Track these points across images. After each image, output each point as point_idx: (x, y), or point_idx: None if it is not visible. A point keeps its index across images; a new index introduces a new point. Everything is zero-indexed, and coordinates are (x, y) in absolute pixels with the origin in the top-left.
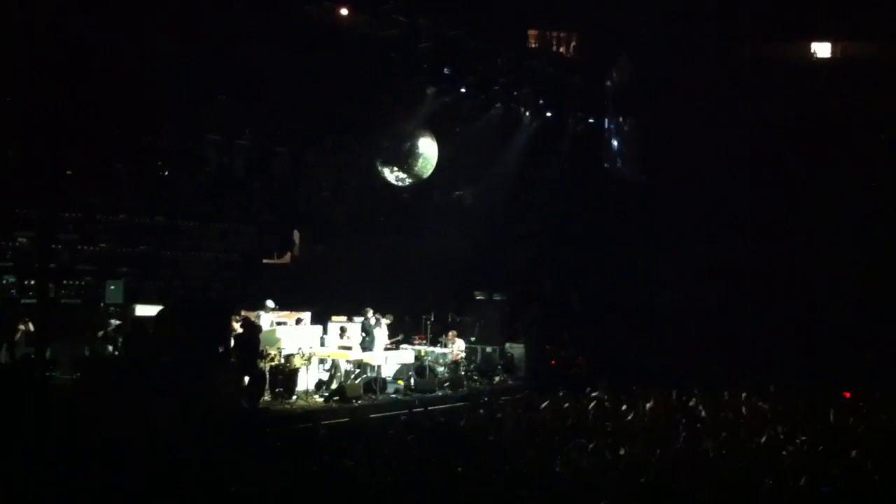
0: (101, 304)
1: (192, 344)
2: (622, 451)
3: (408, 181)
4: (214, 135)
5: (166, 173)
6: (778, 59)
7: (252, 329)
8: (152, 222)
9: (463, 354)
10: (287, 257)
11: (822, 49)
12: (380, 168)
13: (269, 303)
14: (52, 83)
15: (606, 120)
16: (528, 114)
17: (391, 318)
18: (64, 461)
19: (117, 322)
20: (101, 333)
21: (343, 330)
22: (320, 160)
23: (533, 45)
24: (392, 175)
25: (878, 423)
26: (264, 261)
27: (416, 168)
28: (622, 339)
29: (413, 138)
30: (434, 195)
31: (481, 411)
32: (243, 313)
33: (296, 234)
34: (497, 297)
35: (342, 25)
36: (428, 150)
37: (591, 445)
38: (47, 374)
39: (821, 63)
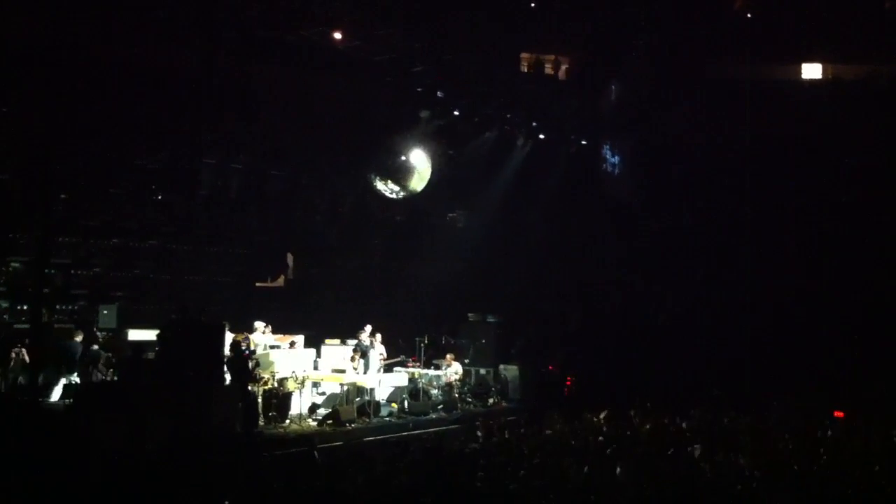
0: (94, 329)
1: (185, 367)
2: (616, 472)
3: (401, 194)
4: (209, 158)
5: (160, 196)
6: (768, 79)
7: (239, 352)
8: (146, 246)
9: (458, 377)
10: (280, 280)
11: (812, 70)
12: (374, 181)
13: (259, 324)
14: (46, 106)
15: (599, 142)
16: (521, 136)
17: (380, 336)
18: (59, 486)
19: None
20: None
21: (356, 352)
22: (314, 183)
23: (525, 69)
24: (386, 188)
25: (873, 444)
26: (258, 284)
27: (410, 181)
28: (616, 360)
29: (407, 152)
30: (428, 217)
31: (478, 433)
32: (233, 337)
33: (289, 257)
34: (491, 319)
35: (337, 50)
36: (421, 164)
37: (584, 468)
38: (40, 399)
39: (811, 84)
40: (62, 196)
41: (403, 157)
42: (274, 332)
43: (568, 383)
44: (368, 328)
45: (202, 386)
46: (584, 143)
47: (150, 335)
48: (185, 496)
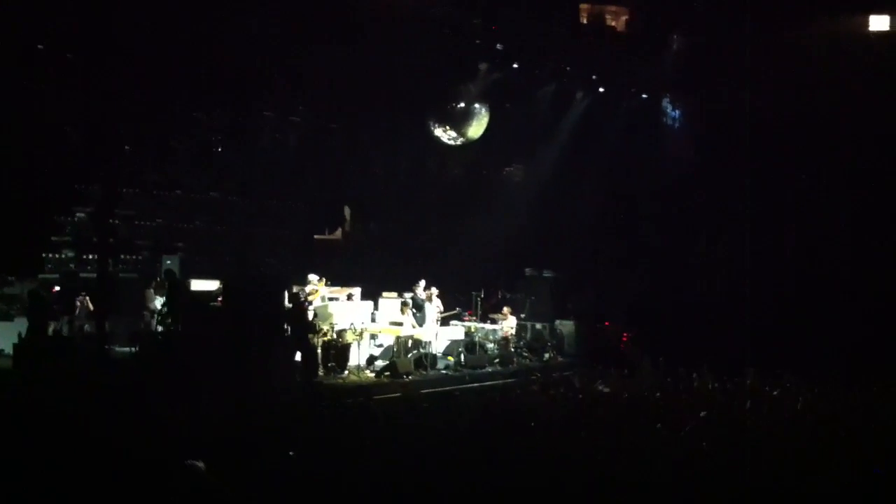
0: (158, 279)
1: (248, 319)
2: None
3: (459, 141)
4: (268, 112)
5: (220, 149)
6: (832, 32)
7: (299, 304)
8: (206, 198)
9: (513, 331)
10: (338, 233)
11: (879, 22)
12: (432, 127)
13: (312, 276)
14: (109, 60)
15: (660, 97)
16: (580, 90)
17: (437, 291)
18: (126, 432)
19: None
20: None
21: (405, 304)
22: (372, 138)
23: (585, 20)
24: (445, 135)
25: None
26: (315, 237)
27: (468, 129)
28: (670, 317)
29: (466, 99)
30: (485, 172)
31: (534, 388)
32: (295, 289)
33: (346, 211)
34: (547, 274)
35: (394, 5)
36: (480, 112)
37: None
38: (106, 347)
39: (877, 37)
40: (126, 148)
41: (462, 104)
42: (331, 284)
43: (624, 339)
44: (422, 283)
45: (259, 340)
46: (644, 96)
47: (211, 286)
48: (248, 446)
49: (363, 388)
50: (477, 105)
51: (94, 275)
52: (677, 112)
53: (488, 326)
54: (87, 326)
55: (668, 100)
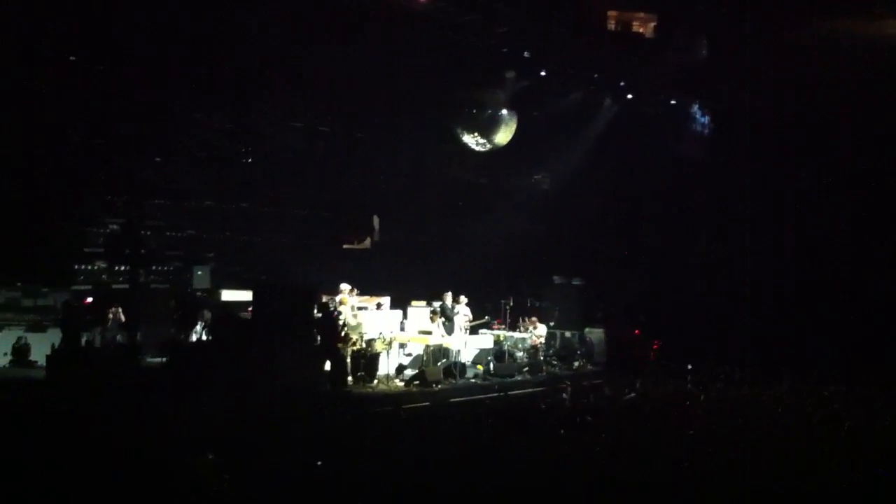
0: (190, 290)
1: (277, 328)
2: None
3: (487, 147)
4: (296, 121)
5: (249, 160)
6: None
7: (329, 313)
8: (236, 208)
9: (542, 340)
10: (366, 242)
11: None
12: (460, 134)
13: (344, 286)
14: (135, 70)
15: (685, 101)
16: (607, 97)
17: (465, 300)
18: (158, 439)
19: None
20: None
21: (434, 313)
22: (399, 145)
23: (612, 27)
24: (473, 140)
25: None
26: (344, 246)
27: (497, 135)
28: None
29: (495, 106)
30: (513, 179)
31: (564, 395)
32: (324, 298)
33: (375, 220)
34: (576, 282)
35: (422, 13)
36: (508, 119)
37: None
38: (137, 357)
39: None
40: (156, 160)
41: (491, 111)
42: (360, 293)
43: (655, 347)
44: (449, 294)
45: (288, 348)
46: (672, 102)
47: (242, 296)
48: (275, 454)
49: (392, 397)
50: (504, 112)
51: (126, 286)
52: (706, 118)
53: (517, 335)
54: (119, 337)
55: (697, 105)
